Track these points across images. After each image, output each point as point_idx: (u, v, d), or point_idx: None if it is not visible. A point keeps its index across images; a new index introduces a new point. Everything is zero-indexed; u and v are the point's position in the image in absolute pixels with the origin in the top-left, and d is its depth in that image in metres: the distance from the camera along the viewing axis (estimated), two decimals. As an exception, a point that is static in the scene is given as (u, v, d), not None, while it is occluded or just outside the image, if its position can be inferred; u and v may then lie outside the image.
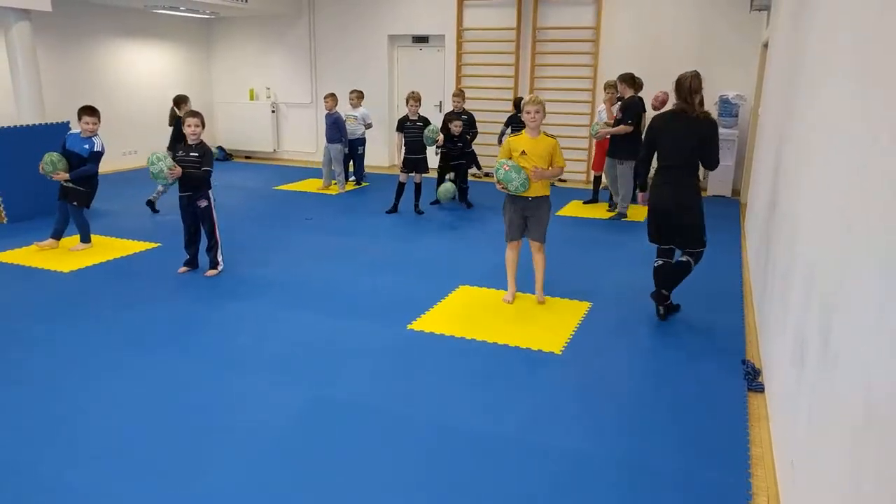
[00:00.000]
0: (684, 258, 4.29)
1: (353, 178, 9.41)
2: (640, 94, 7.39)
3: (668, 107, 7.55)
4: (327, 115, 8.74)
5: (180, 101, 8.07)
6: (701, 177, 4.42)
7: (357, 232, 6.71)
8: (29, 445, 2.87)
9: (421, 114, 7.58)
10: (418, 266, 5.58)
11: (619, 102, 7.29)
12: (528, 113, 4.39)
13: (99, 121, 6.00)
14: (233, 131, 12.01)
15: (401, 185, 7.56)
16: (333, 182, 9.06)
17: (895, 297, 1.39)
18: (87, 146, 5.89)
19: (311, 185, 9.24)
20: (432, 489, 2.60)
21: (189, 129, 5.12)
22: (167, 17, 10.80)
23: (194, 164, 5.11)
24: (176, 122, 7.99)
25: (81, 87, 9.85)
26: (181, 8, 9.67)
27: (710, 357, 3.83)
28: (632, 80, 7.22)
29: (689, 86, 4.11)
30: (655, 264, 4.38)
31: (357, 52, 10.78)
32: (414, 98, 7.50)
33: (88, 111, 5.92)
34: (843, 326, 1.83)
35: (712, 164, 4.17)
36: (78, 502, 2.50)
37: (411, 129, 7.49)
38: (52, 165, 5.69)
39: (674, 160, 4.17)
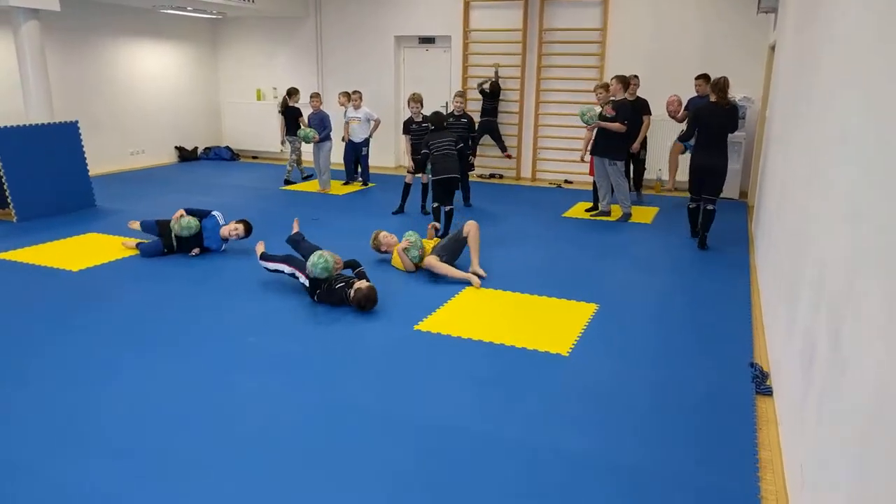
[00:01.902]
0: (710, 207, 6.14)
1: (359, 178, 9.44)
2: (631, 96, 7.51)
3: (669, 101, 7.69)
4: (313, 115, 8.76)
5: (292, 92, 9.27)
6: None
7: (363, 232, 6.71)
8: (36, 445, 2.89)
9: (425, 114, 7.58)
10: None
11: (611, 101, 7.10)
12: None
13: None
14: (240, 131, 12.05)
15: (407, 186, 7.59)
16: (343, 182, 9.10)
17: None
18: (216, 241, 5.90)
19: (317, 186, 9.25)
20: (437, 489, 2.61)
21: None
22: (175, 16, 10.83)
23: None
24: (285, 110, 9.24)
25: (90, 86, 9.90)
26: (189, 8, 9.70)
27: (717, 360, 3.82)
28: (626, 82, 7.24)
29: (723, 85, 5.98)
30: (691, 206, 6.42)
31: (363, 53, 10.80)
32: (414, 100, 7.52)
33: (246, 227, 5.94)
34: (853, 329, 1.82)
35: (734, 131, 6.16)
36: (83, 502, 2.51)
37: (417, 131, 7.51)
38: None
39: (715, 137, 6.02)
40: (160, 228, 5.83)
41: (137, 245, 5.84)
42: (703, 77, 7.65)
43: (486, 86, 9.55)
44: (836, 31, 2.78)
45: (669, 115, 7.75)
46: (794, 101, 4.23)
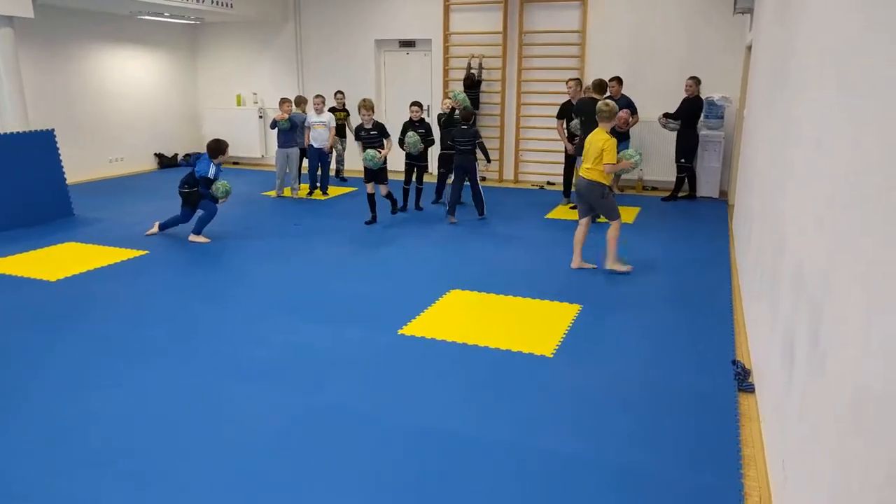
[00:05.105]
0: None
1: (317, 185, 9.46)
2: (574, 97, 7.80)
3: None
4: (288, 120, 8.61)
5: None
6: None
7: (346, 237, 6.70)
8: (23, 456, 2.84)
9: (377, 120, 7.26)
10: (408, 271, 5.57)
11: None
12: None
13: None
14: (221, 137, 11.92)
15: (370, 196, 7.28)
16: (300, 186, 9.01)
17: (880, 297, 1.40)
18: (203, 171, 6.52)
19: (300, 192, 9.19)
20: (425, 492, 2.59)
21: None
22: (152, 23, 10.74)
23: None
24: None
25: (66, 94, 9.77)
26: (166, 14, 9.62)
27: (699, 358, 3.85)
28: (600, 88, 7.37)
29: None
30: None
31: (344, 57, 10.77)
32: (365, 106, 7.13)
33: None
34: (832, 326, 1.84)
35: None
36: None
37: (366, 139, 7.13)
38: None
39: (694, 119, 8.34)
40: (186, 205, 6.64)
41: (160, 226, 6.73)
42: (616, 79, 8.31)
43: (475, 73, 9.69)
44: (810, 30, 2.81)
45: (619, 129, 7.98)
46: (769, 101, 4.28)
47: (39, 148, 7.33)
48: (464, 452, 2.88)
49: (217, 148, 6.50)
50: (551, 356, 3.87)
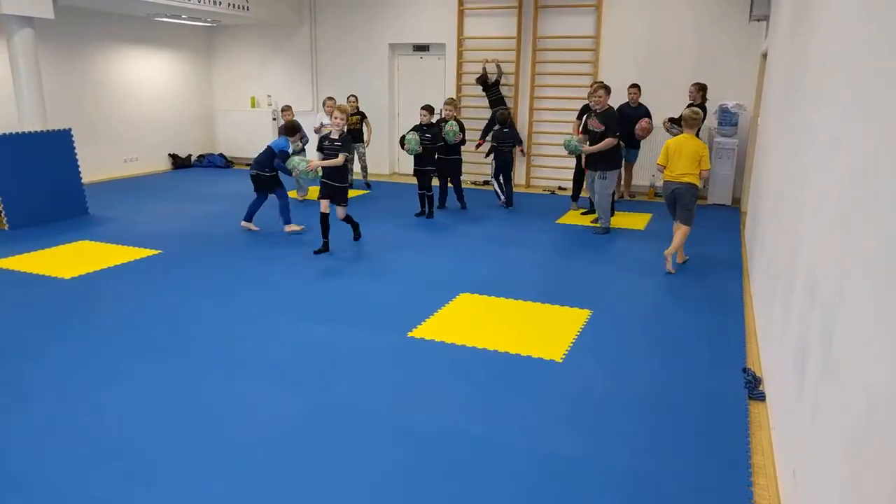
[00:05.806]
0: None
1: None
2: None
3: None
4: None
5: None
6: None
7: (356, 240, 6.71)
8: (25, 453, 2.87)
9: (346, 132, 6.18)
10: (418, 274, 5.58)
11: (591, 114, 6.96)
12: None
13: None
14: (234, 139, 12.05)
15: (323, 217, 6.09)
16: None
17: (894, 304, 1.39)
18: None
19: (311, 194, 9.24)
20: (432, 493, 2.59)
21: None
22: (169, 24, 10.85)
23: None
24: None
25: (83, 94, 9.89)
26: (183, 16, 9.72)
27: (710, 365, 3.83)
28: (609, 90, 7.10)
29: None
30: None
31: (358, 61, 10.82)
32: (340, 108, 6.10)
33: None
34: (845, 334, 1.83)
35: None
36: (78, 509, 2.50)
37: (328, 149, 5.98)
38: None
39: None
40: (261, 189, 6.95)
41: (247, 220, 6.97)
42: (636, 86, 8.37)
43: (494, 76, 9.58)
44: (825, 36, 2.80)
45: (639, 137, 8.12)
46: (784, 107, 4.26)
47: (56, 147, 7.43)
48: (471, 454, 2.88)
49: (293, 127, 7.12)
50: (561, 361, 3.86)
